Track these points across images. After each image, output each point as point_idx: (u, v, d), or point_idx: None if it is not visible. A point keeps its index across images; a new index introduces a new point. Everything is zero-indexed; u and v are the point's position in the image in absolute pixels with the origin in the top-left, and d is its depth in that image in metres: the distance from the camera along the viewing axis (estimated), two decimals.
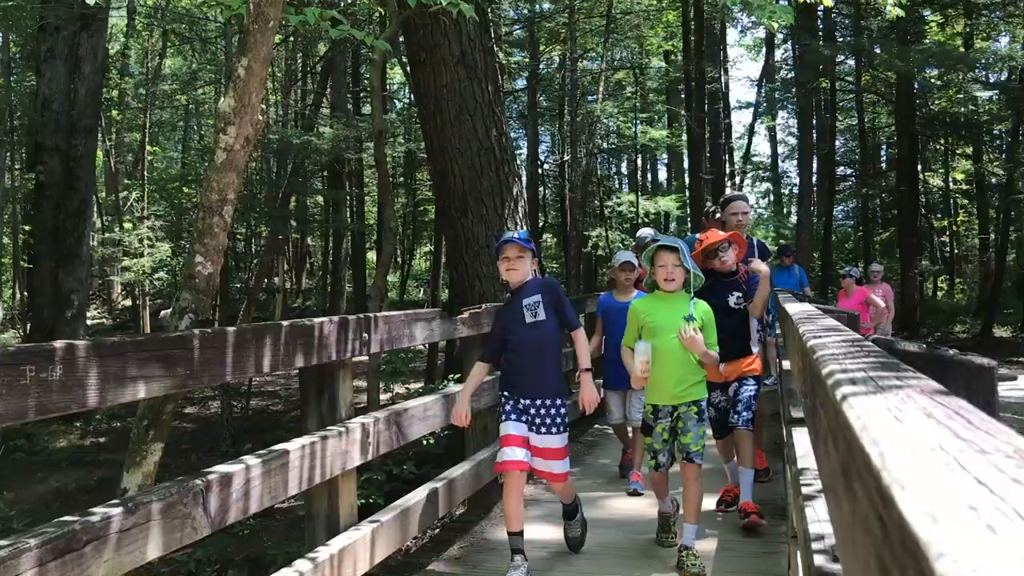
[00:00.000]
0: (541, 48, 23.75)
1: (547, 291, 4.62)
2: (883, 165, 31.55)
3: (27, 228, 15.98)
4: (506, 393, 4.62)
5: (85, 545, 2.36)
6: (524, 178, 13.98)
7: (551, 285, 4.76)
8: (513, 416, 4.53)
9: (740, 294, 5.41)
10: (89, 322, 18.34)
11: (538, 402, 4.52)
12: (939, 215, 30.28)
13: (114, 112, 23.40)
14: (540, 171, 24.24)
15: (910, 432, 0.66)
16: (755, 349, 5.55)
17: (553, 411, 4.53)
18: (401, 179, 24.94)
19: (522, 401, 4.54)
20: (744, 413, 5.33)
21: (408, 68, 9.88)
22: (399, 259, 29.18)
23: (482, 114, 8.06)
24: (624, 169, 37.91)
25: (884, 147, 32.43)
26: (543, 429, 4.52)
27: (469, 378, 4.73)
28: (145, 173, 21.29)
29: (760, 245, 6.27)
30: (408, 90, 22.91)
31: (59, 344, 2.38)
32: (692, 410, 4.65)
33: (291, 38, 19.32)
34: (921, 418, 0.73)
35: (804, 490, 2.85)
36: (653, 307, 4.66)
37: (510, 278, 4.60)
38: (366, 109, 22.45)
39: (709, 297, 5.04)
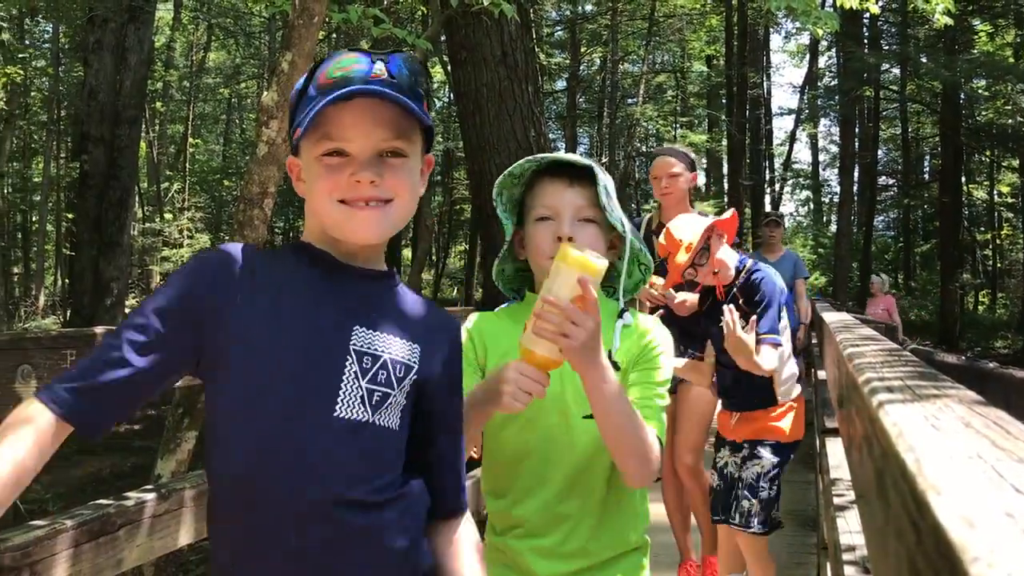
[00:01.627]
0: (582, 50, 23.75)
1: (440, 345, 1.42)
2: (926, 176, 31.15)
3: (70, 216, 16.25)
4: None
5: (119, 528, 2.39)
6: None
7: (450, 330, 1.49)
8: None
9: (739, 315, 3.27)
10: (127, 310, 18.60)
11: None
12: (982, 228, 29.82)
13: (158, 104, 23.73)
14: None
15: (947, 439, 0.66)
16: (795, 392, 3.59)
17: None
18: (438, 177, 25.05)
19: None
20: (745, 502, 3.43)
21: (448, 67, 9.95)
22: (434, 257, 29.30)
23: (521, 114, 8.08)
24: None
25: (927, 157, 32.02)
26: None
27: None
28: (187, 165, 21.59)
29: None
30: (448, 89, 23.00)
31: (99, 329, 2.42)
32: None
33: (333, 34, 19.46)
34: (959, 426, 0.72)
35: (836, 500, 2.83)
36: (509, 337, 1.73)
37: (349, 235, 1.33)
38: None
39: (699, 324, 3.58)
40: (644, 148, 27.72)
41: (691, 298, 3.74)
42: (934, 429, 0.71)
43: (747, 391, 3.50)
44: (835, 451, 3.34)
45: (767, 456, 3.46)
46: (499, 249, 1.86)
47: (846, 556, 2.36)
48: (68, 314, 16.53)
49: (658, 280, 3.74)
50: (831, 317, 4.06)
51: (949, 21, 7.80)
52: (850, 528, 2.54)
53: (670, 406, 3.78)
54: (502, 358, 1.70)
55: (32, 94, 19.82)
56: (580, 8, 23.40)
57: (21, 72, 14.27)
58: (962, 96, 22.53)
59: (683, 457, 4.14)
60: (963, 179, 25.03)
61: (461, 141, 10.51)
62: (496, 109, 8.05)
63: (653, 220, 4.37)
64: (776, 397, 3.49)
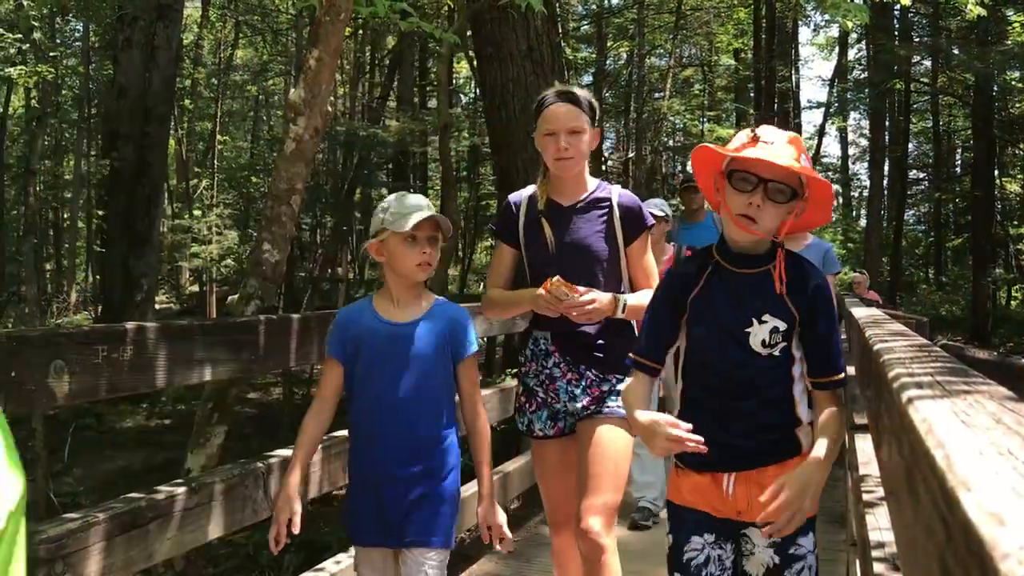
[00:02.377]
0: (609, 44, 23.66)
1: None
2: (957, 169, 30.74)
3: (101, 213, 16.44)
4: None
5: (150, 522, 2.42)
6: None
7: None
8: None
9: (780, 319, 2.17)
10: (157, 306, 18.80)
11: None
12: (1015, 222, 29.40)
13: (186, 101, 23.91)
14: (604, 168, 24.15)
15: (977, 436, 0.65)
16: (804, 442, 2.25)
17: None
18: (464, 173, 25.07)
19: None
20: None
21: (475, 62, 9.97)
22: (460, 253, 29.32)
23: None
24: (690, 167, 37.52)
25: (959, 151, 31.60)
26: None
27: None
28: (215, 162, 21.75)
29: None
30: (474, 84, 23.02)
31: (130, 326, 2.44)
32: None
33: (360, 31, 19.53)
34: (989, 423, 0.71)
35: (865, 497, 2.80)
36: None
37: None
38: (432, 103, 22.61)
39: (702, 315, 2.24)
40: (671, 143, 27.59)
41: (602, 299, 2.76)
42: (964, 425, 0.70)
43: (758, 431, 2.20)
44: (864, 447, 3.31)
45: (807, 547, 2.33)
46: None
47: (875, 553, 2.34)
48: (99, 310, 16.72)
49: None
50: (860, 312, 4.03)
51: (982, 12, 7.71)
52: (880, 525, 2.52)
53: (567, 444, 2.97)
54: None
55: (63, 92, 20.07)
56: (606, 2, 23.35)
57: (52, 71, 14.45)
58: (995, 88, 22.21)
59: (588, 521, 2.78)
60: (996, 172, 24.67)
61: (487, 137, 10.51)
62: (522, 104, 8.04)
63: (538, 198, 3.01)
64: (800, 442, 2.25)
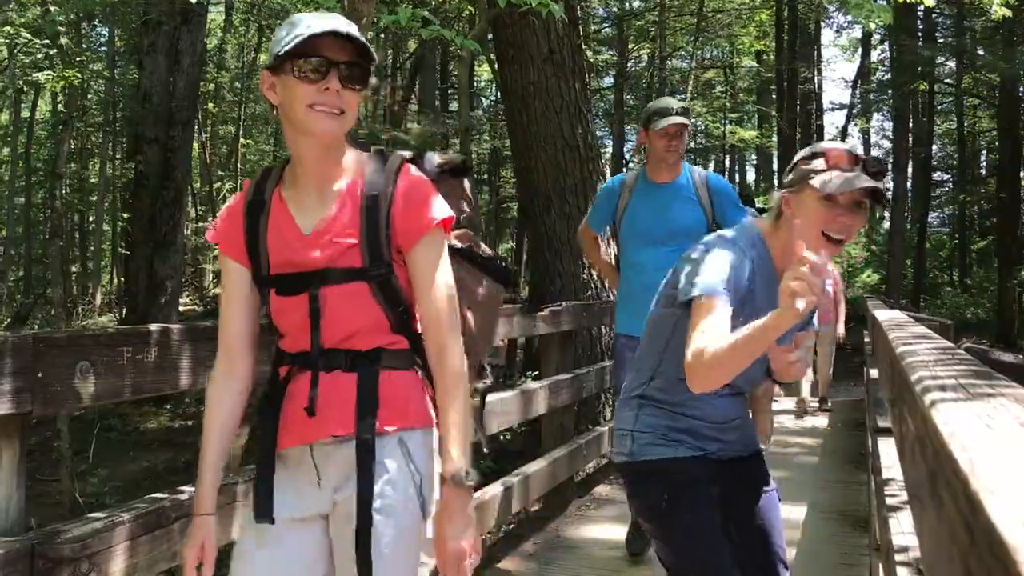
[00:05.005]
0: (630, 46, 23.62)
1: None
2: (983, 171, 30.45)
3: (126, 216, 16.57)
4: None
5: (174, 522, 2.44)
6: (608, 176, 13.95)
7: None
8: None
9: None
10: (181, 308, 18.92)
11: None
12: None
13: (210, 105, 24.09)
14: (625, 169, 24.17)
15: (1002, 439, 0.65)
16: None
17: None
18: (485, 176, 25.12)
19: None
20: None
21: (496, 65, 10.00)
22: None
23: (568, 112, 8.07)
24: (712, 169, 37.44)
25: (984, 152, 31.30)
26: None
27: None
28: (238, 165, 21.89)
29: None
30: (495, 87, 23.03)
31: (155, 327, 2.47)
32: None
33: (381, 35, 19.60)
34: (1014, 426, 0.71)
35: (889, 501, 2.79)
36: None
37: None
38: (453, 106, 22.67)
39: None
40: (692, 145, 27.48)
41: None
42: (988, 429, 0.70)
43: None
44: (887, 451, 3.29)
45: None
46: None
47: (899, 557, 2.33)
48: (124, 312, 16.86)
49: None
50: (883, 315, 4.00)
51: (1007, 12, 7.64)
52: (903, 529, 2.50)
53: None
54: None
55: (89, 97, 20.25)
56: (628, 4, 23.31)
57: (79, 75, 14.58)
58: (1021, 89, 21.99)
59: None
60: (1022, 174, 24.43)
61: (508, 139, 10.52)
62: (543, 107, 8.05)
63: None
64: None
